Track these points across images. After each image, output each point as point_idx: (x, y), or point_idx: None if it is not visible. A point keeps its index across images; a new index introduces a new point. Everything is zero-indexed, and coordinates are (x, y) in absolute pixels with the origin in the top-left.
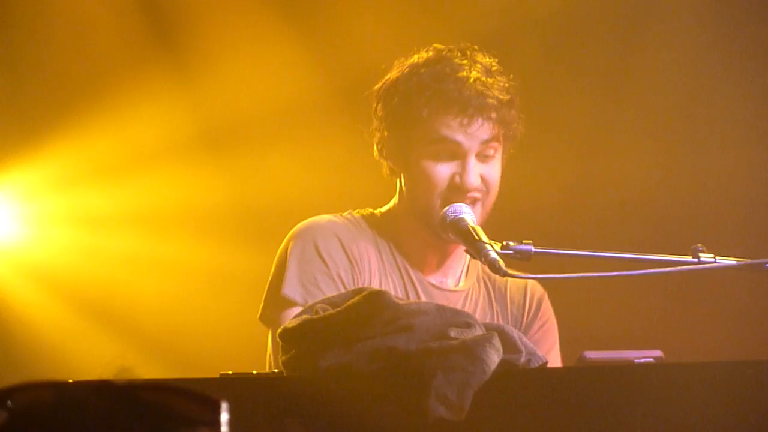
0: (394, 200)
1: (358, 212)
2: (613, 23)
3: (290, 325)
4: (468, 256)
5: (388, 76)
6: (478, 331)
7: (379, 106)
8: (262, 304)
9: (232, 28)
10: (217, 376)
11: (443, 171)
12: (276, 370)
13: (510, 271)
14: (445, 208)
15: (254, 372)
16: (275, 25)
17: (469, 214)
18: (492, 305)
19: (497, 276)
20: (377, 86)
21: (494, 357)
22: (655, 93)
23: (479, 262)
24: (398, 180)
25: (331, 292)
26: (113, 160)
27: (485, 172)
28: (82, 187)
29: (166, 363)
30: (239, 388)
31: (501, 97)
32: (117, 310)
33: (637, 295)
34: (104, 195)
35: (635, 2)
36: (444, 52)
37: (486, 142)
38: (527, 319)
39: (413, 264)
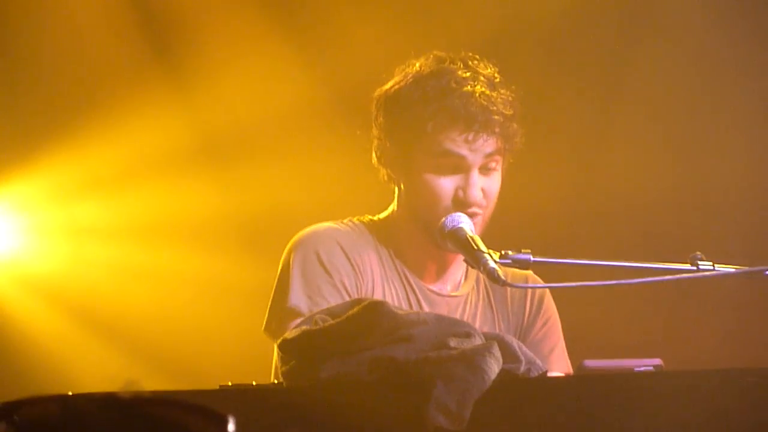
0: (393, 206)
1: (357, 219)
2: (612, 29)
3: (290, 336)
4: None
5: (389, 84)
6: (478, 341)
7: (381, 114)
8: (266, 316)
9: (229, 38)
10: (217, 387)
11: (446, 185)
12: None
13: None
14: (443, 218)
15: (254, 383)
16: (272, 35)
17: (467, 224)
18: (492, 307)
19: None
20: (378, 93)
21: (494, 366)
22: (655, 99)
23: None
24: (396, 187)
25: (335, 301)
26: (111, 172)
27: (486, 185)
28: (81, 199)
29: (166, 374)
30: (239, 399)
31: (505, 112)
32: (116, 321)
33: (636, 304)
34: (102, 206)
35: (635, 7)
36: (446, 63)
37: (489, 156)
38: (529, 317)
39: (413, 270)
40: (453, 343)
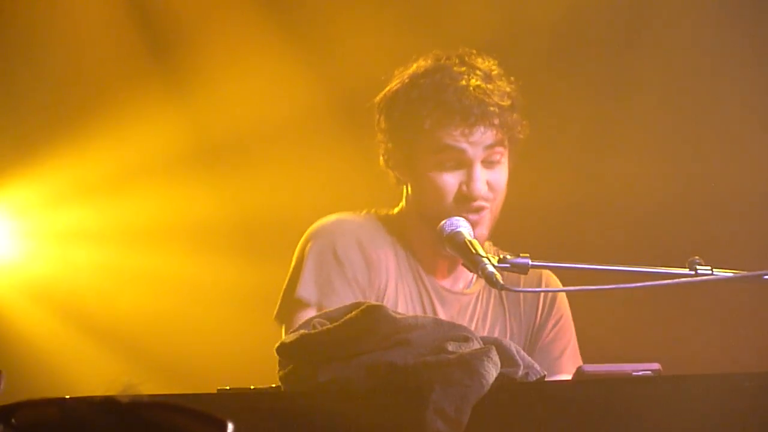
0: (403, 204)
1: (375, 212)
2: (613, 30)
3: (288, 340)
4: None
5: (388, 87)
6: (476, 345)
7: (382, 118)
8: (279, 304)
9: (227, 42)
10: (215, 391)
11: (449, 181)
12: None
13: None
14: (442, 222)
15: (252, 387)
16: (270, 39)
17: (465, 228)
18: (504, 305)
19: (510, 275)
20: (378, 97)
21: (492, 371)
22: (657, 101)
23: None
24: (405, 187)
25: (345, 295)
26: (107, 176)
27: (492, 178)
28: (78, 203)
29: (162, 378)
30: (237, 403)
31: (502, 102)
32: (112, 324)
33: (634, 308)
34: (98, 210)
35: (636, 8)
36: (443, 60)
37: (490, 148)
38: (541, 317)
39: (425, 268)
40: (451, 347)
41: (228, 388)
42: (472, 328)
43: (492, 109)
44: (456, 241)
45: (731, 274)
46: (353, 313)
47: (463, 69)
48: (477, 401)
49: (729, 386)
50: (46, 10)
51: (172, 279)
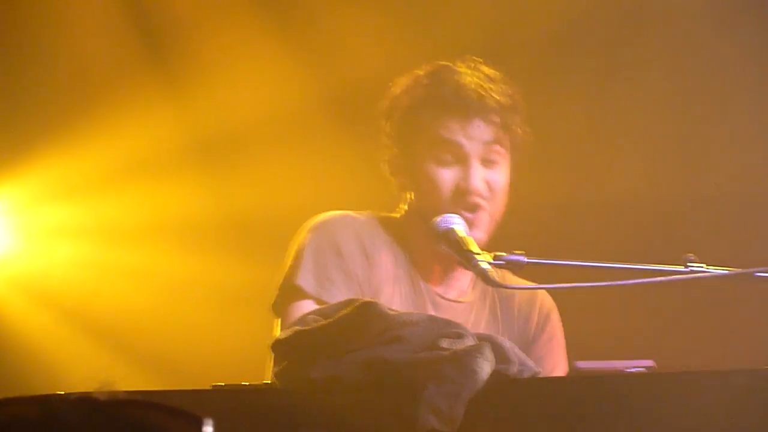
0: (405, 208)
1: (376, 214)
2: (610, 31)
3: (282, 337)
4: None
5: (391, 92)
6: (470, 342)
7: (386, 122)
8: (276, 293)
9: (223, 39)
10: (209, 387)
11: (447, 176)
12: (266, 382)
13: (512, 281)
14: (436, 219)
15: (246, 383)
16: (266, 36)
17: (460, 225)
18: (497, 317)
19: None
20: (382, 103)
21: (486, 367)
22: (645, 101)
23: None
24: (408, 195)
25: (343, 288)
26: (105, 173)
27: (490, 177)
28: (74, 200)
29: (156, 374)
30: (232, 399)
31: (501, 99)
32: (104, 321)
33: (628, 305)
34: (96, 207)
35: (633, 9)
36: (445, 63)
37: (488, 145)
38: (533, 333)
39: (421, 273)
40: (445, 344)
41: (222, 384)
42: None
43: (491, 103)
44: (450, 238)
45: (725, 271)
46: (347, 309)
47: (466, 69)
48: (471, 398)
49: (722, 383)
50: (40, 9)
51: (162, 276)
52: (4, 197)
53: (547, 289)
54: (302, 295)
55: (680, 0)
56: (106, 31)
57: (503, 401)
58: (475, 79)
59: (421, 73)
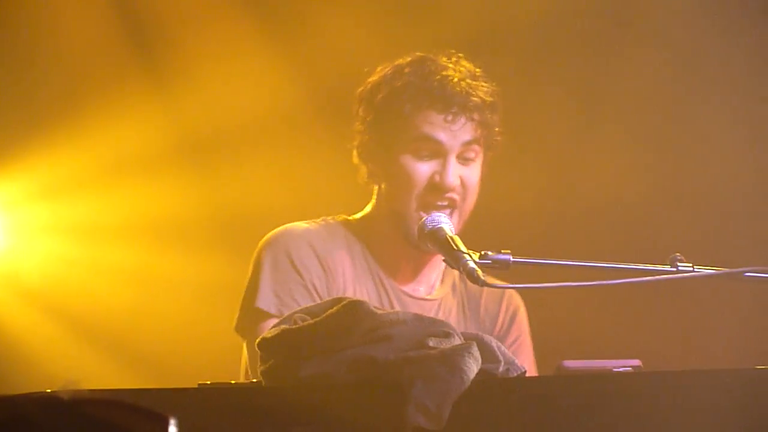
0: (370, 206)
1: (332, 218)
2: (594, 30)
3: (269, 335)
4: (443, 265)
5: (371, 79)
6: (457, 341)
7: (362, 107)
8: (237, 315)
9: (209, 38)
10: (195, 386)
11: (423, 169)
12: (254, 380)
13: (488, 281)
14: (423, 218)
15: (233, 382)
16: (252, 36)
17: (447, 224)
18: (465, 314)
19: (473, 285)
20: (360, 89)
21: (473, 366)
22: (632, 100)
23: (455, 270)
24: (376, 186)
25: (305, 302)
26: (92, 171)
27: (465, 174)
28: (62, 198)
29: (144, 372)
30: (218, 398)
31: (485, 98)
32: (95, 319)
33: (615, 305)
34: (83, 205)
35: (616, 8)
36: (428, 55)
37: (467, 144)
38: (500, 331)
39: (387, 271)
40: (432, 342)
41: (209, 383)
42: None
43: (475, 100)
44: (437, 236)
45: (712, 271)
46: (335, 308)
47: (450, 64)
48: (458, 397)
49: (709, 382)
50: (31, 6)
51: (149, 274)
52: None
53: (535, 289)
54: (264, 316)
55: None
56: (95, 30)
57: (490, 400)
58: (459, 74)
59: (403, 62)
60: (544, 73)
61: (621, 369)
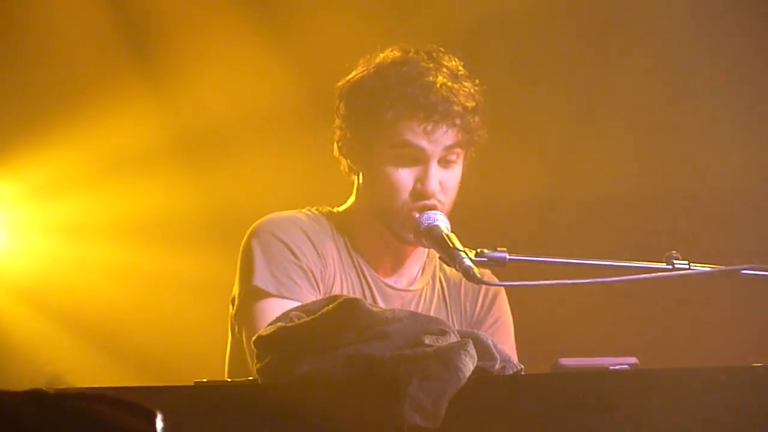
0: (352, 199)
1: (317, 209)
2: (587, 24)
3: (265, 333)
4: (425, 256)
5: (352, 74)
6: (453, 339)
7: (342, 104)
8: (235, 306)
9: (203, 35)
10: (192, 383)
11: (405, 176)
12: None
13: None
14: (419, 216)
15: (229, 379)
16: (245, 32)
17: (443, 222)
18: (446, 302)
19: (451, 271)
20: (341, 83)
21: (469, 364)
22: (627, 96)
23: (434, 260)
24: (356, 178)
25: (303, 283)
26: (88, 169)
27: (444, 177)
28: (57, 196)
29: (141, 370)
30: (214, 395)
31: (467, 104)
32: (91, 318)
33: (611, 302)
34: (79, 204)
35: (609, 2)
36: (410, 54)
37: (449, 148)
38: (479, 314)
39: (369, 263)
40: (428, 340)
41: (205, 380)
42: None
43: (456, 108)
44: (433, 234)
45: (708, 269)
46: (331, 306)
47: (431, 65)
48: (454, 394)
49: (705, 380)
50: (20, 6)
51: (144, 272)
52: None
53: (531, 287)
54: (263, 294)
55: None
56: (87, 29)
57: (486, 397)
58: (441, 78)
59: (385, 61)
60: (540, 68)
61: (617, 367)
